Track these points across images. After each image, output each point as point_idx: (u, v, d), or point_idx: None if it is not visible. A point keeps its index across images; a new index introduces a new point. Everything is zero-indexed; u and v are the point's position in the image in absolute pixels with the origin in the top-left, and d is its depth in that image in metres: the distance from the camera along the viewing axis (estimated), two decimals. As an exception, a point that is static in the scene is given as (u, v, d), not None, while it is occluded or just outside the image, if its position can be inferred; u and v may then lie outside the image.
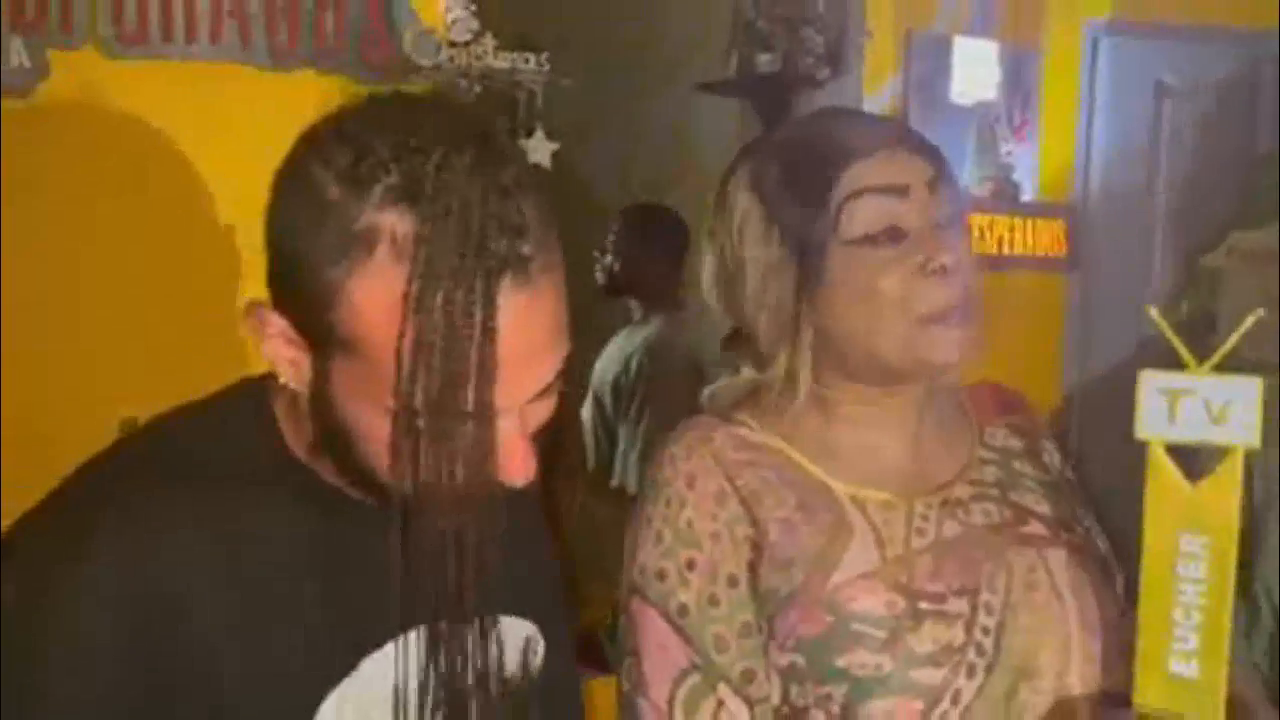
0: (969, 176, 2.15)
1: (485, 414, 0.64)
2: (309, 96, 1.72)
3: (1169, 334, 0.73)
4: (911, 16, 2.16)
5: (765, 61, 2.46)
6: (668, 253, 2.35)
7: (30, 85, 1.58)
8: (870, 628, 0.84)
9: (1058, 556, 0.88)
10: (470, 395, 0.63)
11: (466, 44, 1.91)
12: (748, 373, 0.93)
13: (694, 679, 0.86)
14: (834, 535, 0.87)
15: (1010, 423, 0.96)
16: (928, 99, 2.16)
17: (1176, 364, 0.73)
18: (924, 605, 0.84)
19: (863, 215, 0.85)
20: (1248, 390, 0.70)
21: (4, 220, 1.53)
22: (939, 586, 0.85)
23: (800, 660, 0.85)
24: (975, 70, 2.16)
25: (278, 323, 0.67)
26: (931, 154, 0.88)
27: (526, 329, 0.64)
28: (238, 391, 0.76)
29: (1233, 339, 0.72)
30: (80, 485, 0.71)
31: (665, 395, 2.29)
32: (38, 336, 1.55)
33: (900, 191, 0.85)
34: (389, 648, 0.72)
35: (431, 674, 0.71)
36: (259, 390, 0.74)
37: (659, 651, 0.87)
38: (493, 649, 0.72)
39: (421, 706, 0.72)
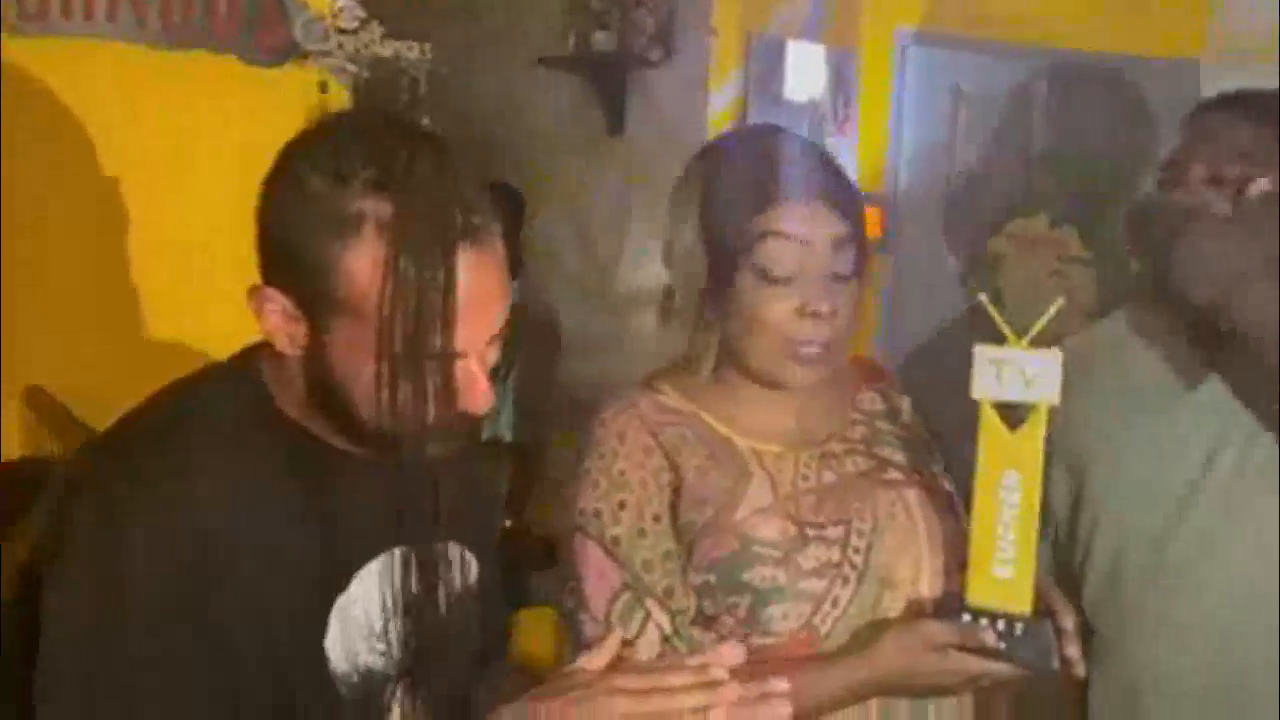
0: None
1: (449, 354, 0.81)
2: (202, 76, 1.79)
3: (993, 314, 0.97)
4: (751, 19, 2.40)
5: (601, 39, 2.62)
6: (503, 222, 2.48)
7: (-69, 62, 1.60)
8: (768, 549, 1.04)
9: (912, 495, 1.10)
10: (437, 339, 0.80)
11: (354, 31, 2.00)
12: (665, 336, 1.13)
13: (626, 596, 1.05)
14: (737, 479, 1.06)
15: (875, 389, 1.19)
16: (765, 95, 2.40)
17: (978, 337, 0.93)
18: (809, 532, 1.05)
19: (766, 254, 1.04)
20: (1053, 361, 0.94)
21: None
22: (820, 518, 1.06)
23: (712, 578, 1.05)
24: (806, 71, 2.42)
25: (278, 299, 0.83)
26: (849, 213, 1.06)
27: (480, 282, 0.82)
28: (231, 364, 0.91)
29: (1041, 321, 0.96)
30: (123, 440, 0.86)
31: (528, 356, 2.46)
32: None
33: (806, 244, 1.04)
34: (373, 566, 0.89)
35: (400, 589, 0.89)
36: (249, 362, 0.90)
37: (597, 576, 1.05)
38: (444, 569, 0.90)
39: (396, 614, 0.89)
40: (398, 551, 0.89)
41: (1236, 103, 1.27)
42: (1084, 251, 2.47)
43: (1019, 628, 0.95)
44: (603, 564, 1.05)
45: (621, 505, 1.05)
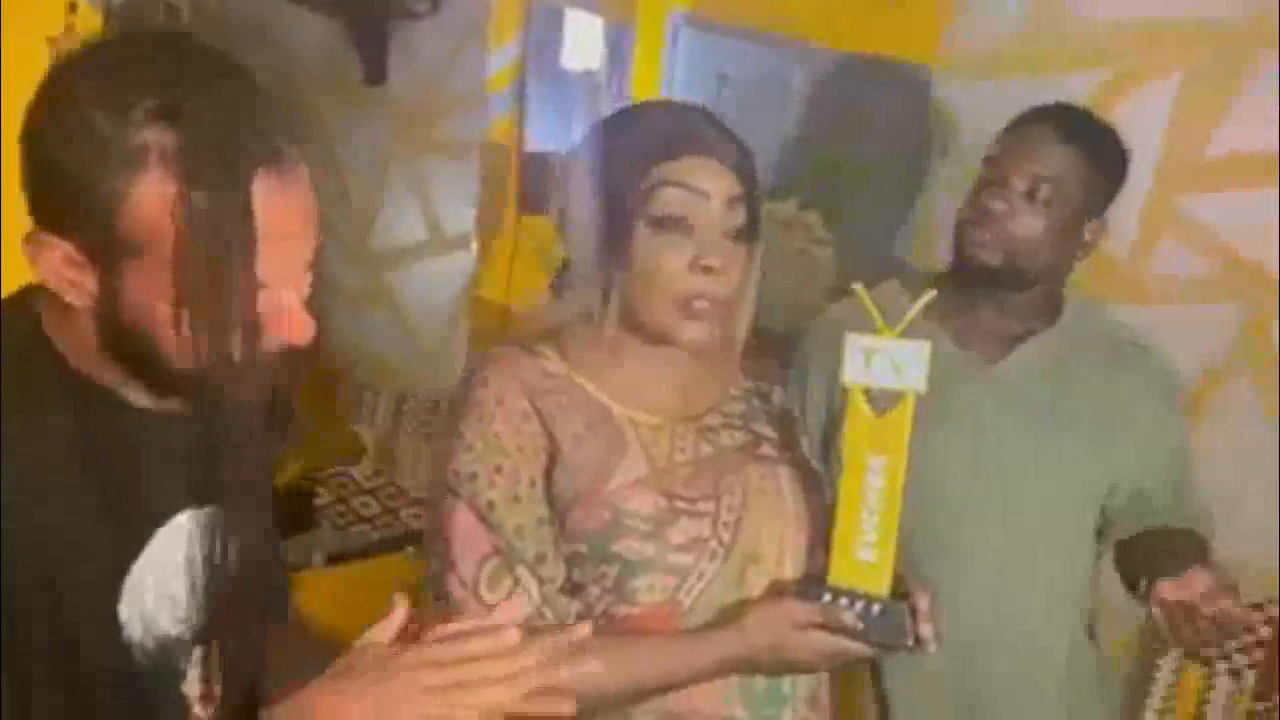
0: (575, 137, 2.44)
1: (252, 287, 0.78)
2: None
3: (868, 305, 1.06)
4: (533, -16, 2.39)
5: None
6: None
7: None
8: (639, 522, 1.08)
9: (783, 472, 1.17)
10: (238, 272, 0.77)
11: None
12: (559, 304, 1.13)
13: (496, 561, 1.06)
14: (612, 449, 1.09)
15: (754, 367, 1.25)
16: (543, 63, 2.41)
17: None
18: (680, 505, 1.10)
19: (664, 201, 1.07)
20: (921, 351, 1.03)
21: None
22: (693, 492, 1.11)
23: (583, 548, 1.08)
24: (583, 41, 2.45)
25: (58, 246, 0.77)
26: (741, 171, 1.11)
27: (284, 208, 0.79)
28: (2, 312, 0.84)
29: (912, 312, 1.06)
30: None
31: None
32: None
33: (701, 194, 1.08)
34: (169, 527, 0.86)
35: (196, 551, 0.87)
36: (24, 307, 0.83)
37: (466, 540, 1.05)
38: (237, 528, 0.88)
39: (192, 578, 0.88)
40: (192, 512, 0.87)
41: (1049, 117, 1.45)
42: (826, 234, 2.67)
43: (876, 608, 1.04)
44: (473, 528, 1.05)
45: (498, 470, 1.06)
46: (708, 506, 1.11)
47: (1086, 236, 1.54)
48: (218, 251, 0.75)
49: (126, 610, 0.84)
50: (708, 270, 1.07)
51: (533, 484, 1.07)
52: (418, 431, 2.60)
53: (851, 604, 1.04)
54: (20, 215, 0.81)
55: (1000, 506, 1.50)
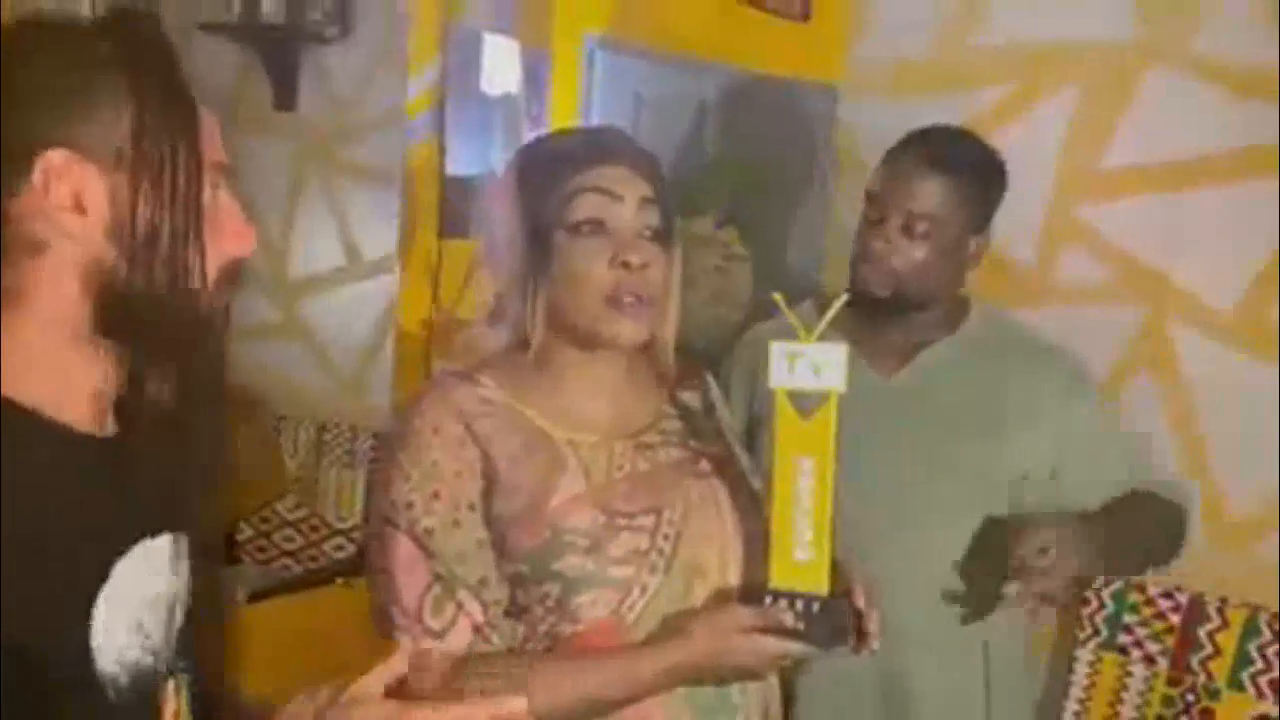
0: (495, 160, 2.45)
1: (200, 194, 0.83)
2: None
3: (787, 313, 1.10)
4: (448, 10, 2.40)
5: (269, 8, 2.51)
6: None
7: None
8: (579, 538, 1.09)
9: (721, 486, 1.19)
10: (194, 178, 0.82)
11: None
12: (492, 333, 1.15)
13: (438, 588, 1.07)
14: (551, 468, 1.11)
15: (691, 386, 1.27)
16: (462, 87, 2.42)
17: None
18: (620, 521, 1.11)
19: (580, 207, 1.10)
20: (838, 352, 1.07)
21: None
22: (632, 507, 1.12)
23: (524, 568, 1.09)
24: (501, 65, 2.47)
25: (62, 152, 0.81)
26: (652, 178, 1.14)
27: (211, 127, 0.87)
28: None
29: (827, 317, 1.10)
30: None
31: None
32: None
33: (615, 197, 1.11)
34: (133, 552, 0.86)
35: (162, 577, 0.87)
36: None
37: (407, 569, 1.06)
38: (193, 553, 0.90)
39: (157, 606, 0.88)
40: (155, 538, 0.87)
41: (921, 146, 1.51)
42: (743, 250, 2.72)
43: (816, 606, 1.06)
44: (413, 556, 1.06)
45: (435, 496, 1.06)
46: (647, 521, 1.12)
47: (972, 249, 1.61)
48: (175, 158, 0.81)
49: (97, 642, 0.82)
50: (627, 266, 1.09)
51: (472, 508, 1.07)
52: (339, 461, 2.57)
53: (792, 604, 1.05)
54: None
55: (912, 509, 1.54)
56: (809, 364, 1.05)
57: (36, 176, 0.79)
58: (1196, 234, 2.32)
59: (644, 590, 1.10)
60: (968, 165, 1.58)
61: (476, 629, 1.06)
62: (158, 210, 0.81)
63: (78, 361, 0.83)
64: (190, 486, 0.87)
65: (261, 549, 2.58)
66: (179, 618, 0.89)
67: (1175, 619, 2.13)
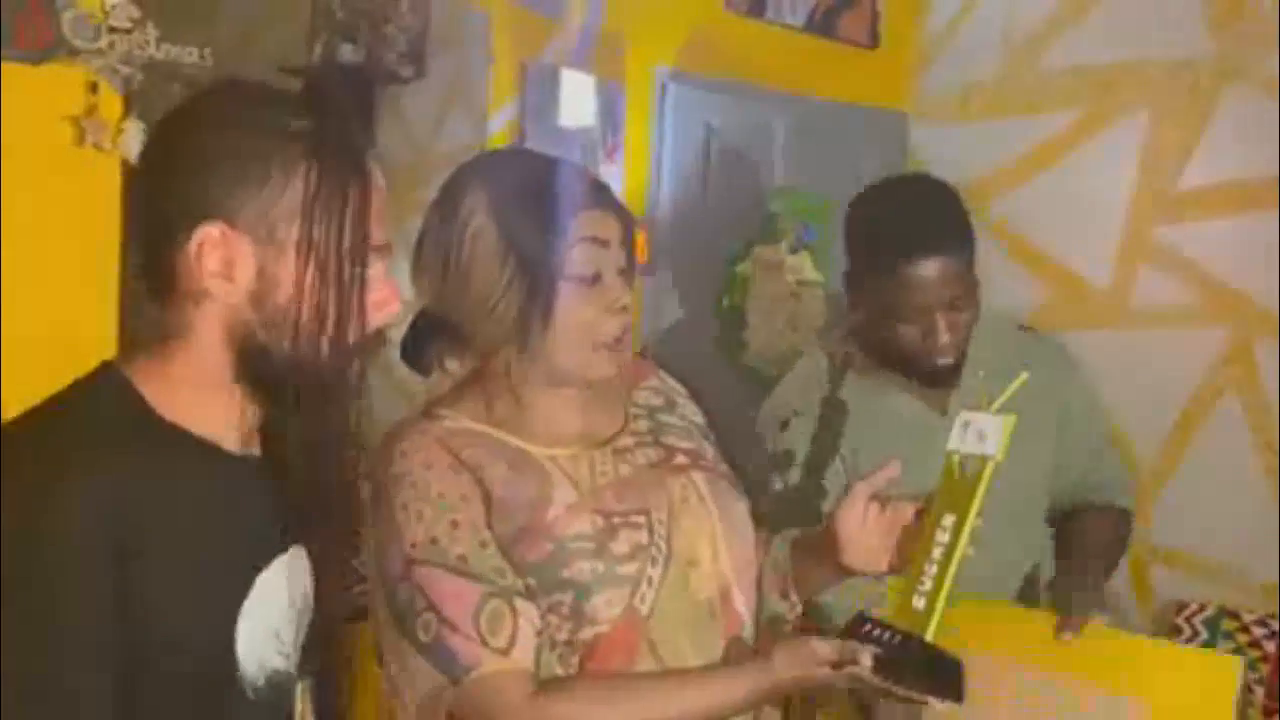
0: (574, 193, 2.49)
1: (364, 266, 0.87)
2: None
3: (980, 391, 1.08)
4: (525, 48, 2.44)
5: (348, 52, 2.55)
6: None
7: None
8: (582, 543, 1.08)
9: (699, 478, 1.18)
10: (360, 249, 0.87)
11: (128, 30, 1.84)
12: (444, 372, 1.15)
13: (492, 604, 1.05)
14: (541, 484, 1.10)
15: (649, 386, 1.25)
16: (541, 122, 2.45)
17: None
18: (617, 520, 1.11)
19: (579, 258, 1.09)
20: (1003, 423, 1.09)
21: None
22: (624, 506, 1.12)
23: (533, 582, 1.07)
24: (578, 100, 2.50)
25: (218, 225, 0.86)
26: (621, 215, 1.13)
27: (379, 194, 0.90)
28: (95, 377, 0.89)
29: (1007, 392, 1.10)
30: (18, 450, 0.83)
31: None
32: None
33: (604, 244, 1.10)
34: (274, 565, 0.91)
35: (300, 589, 0.93)
36: (111, 372, 0.88)
37: (454, 599, 1.04)
38: (331, 567, 0.94)
39: (296, 615, 0.93)
40: (294, 550, 0.91)
41: (905, 240, 1.54)
42: (816, 276, 2.74)
43: (916, 650, 1.04)
44: (457, 585, 1.05)
45: (455, 525, 1.07)
46: (640, 519, 1.13)
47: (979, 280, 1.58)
48: (340, 242, 0.85)
49: (241, 648, 0.87)
50: (624, 310, 1.11)
51: (488, 527, 1.08)
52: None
53: (894, 642, 1.03)
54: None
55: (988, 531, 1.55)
56: (976, 431, 1.07)
57: (192, 246, 0.84)
58: (1277, 253, 2.33)
59: (650, 583, 1.11)
60: (945, 225, 1.55)
61: (538, 632, 1.06)
62: (309, 288, 0.85)
63: (225, 396, 0.88)
64: (321, 508, 0.91)
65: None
66: (305, 628, 0.94)
67: (1271, 647, 2.13)
